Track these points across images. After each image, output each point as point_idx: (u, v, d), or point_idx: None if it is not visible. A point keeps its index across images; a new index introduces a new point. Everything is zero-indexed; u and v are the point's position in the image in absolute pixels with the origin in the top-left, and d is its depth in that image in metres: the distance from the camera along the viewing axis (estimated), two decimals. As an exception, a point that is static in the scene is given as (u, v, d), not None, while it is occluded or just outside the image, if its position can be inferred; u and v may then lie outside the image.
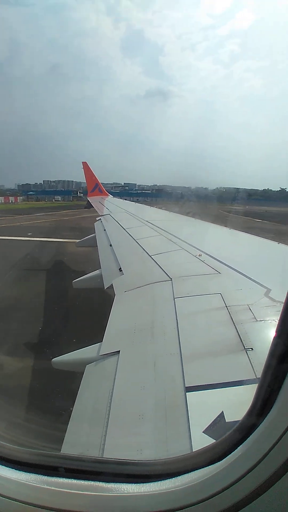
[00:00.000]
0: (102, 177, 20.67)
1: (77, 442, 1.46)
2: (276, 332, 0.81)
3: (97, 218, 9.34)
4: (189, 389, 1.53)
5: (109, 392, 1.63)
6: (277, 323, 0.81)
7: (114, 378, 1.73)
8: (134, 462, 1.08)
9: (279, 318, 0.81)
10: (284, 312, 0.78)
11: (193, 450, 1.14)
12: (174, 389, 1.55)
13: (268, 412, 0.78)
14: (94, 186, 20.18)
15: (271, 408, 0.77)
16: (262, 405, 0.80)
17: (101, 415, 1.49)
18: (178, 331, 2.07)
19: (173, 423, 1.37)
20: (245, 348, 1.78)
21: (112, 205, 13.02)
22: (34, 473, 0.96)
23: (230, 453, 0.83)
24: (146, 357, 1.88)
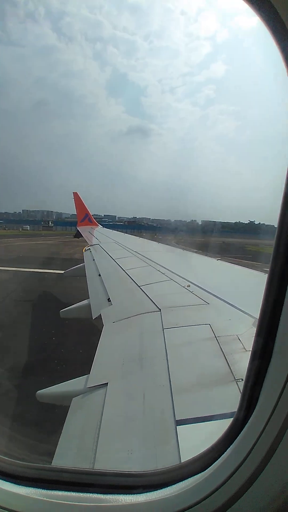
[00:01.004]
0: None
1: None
2: (256, 331, 0.87)
3: (85, 248, 9.37)
4: (180, 422, 1.49)
5: (96, 427, 1.56)
6: (257, 323, 0.87)
7: (102, 412, 1.66)
8: (130, 473, 1.09)
9: (258, 318, 0.87)
10: (262, 314, 0.87)
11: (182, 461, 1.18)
12: (164, 423, 1.51)
13: (248, 421, 0.87)
14: (84, 216, 20.43)
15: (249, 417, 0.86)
16: (243, 416, 0.90)
17: (87, 451, 1.42)
18: (167, 363, 2.04)
19: (163, 459, 1.32)
20: (235, 379, 1.77)
21: (101, 235, 13.13)
22: (34, 487, 0.96)
23: (216, 460, 0.90)
24: (135, 390, 1.84)
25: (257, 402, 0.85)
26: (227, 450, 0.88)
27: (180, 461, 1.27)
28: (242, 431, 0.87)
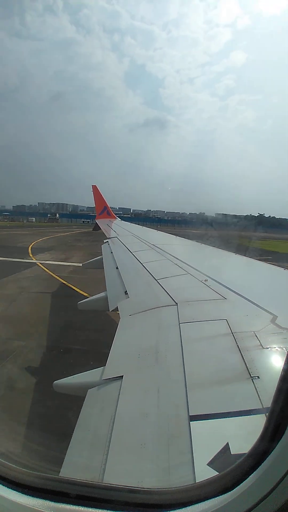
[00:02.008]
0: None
1: (76, 467, 1.42)
2: (287, 357, 0.81)
3: (104, 241, 9.44)
4: (193, 418, 1.49)
5: (111, 418, 1.59)
6: None
7: (117, 404, 1.69)
8: (144, 490, 1.05)
9: None
10: None
11: (200, 480, 1.10)
12: (177, 418, 1.52)
13: (280, 438, 0.76)
14: (103, 209, 20.55)
15: (282, 434, 0.76)
16: (273, 431, 0.79)
17: (102, 441, 1.45)
18: (183, 357, 2.04)
19: (176, 453, 1.33)
20: (251, 376, 1.75)
21: (119, 228, 13.18)
22: (42, 498, 0.95)
23: (242, 482, 0.81)
24: (150, 383, 1.85)
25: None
26: (254, 473, 0.81)
27: (193, 457, 1.27)
28: (270, 455, 0.79)
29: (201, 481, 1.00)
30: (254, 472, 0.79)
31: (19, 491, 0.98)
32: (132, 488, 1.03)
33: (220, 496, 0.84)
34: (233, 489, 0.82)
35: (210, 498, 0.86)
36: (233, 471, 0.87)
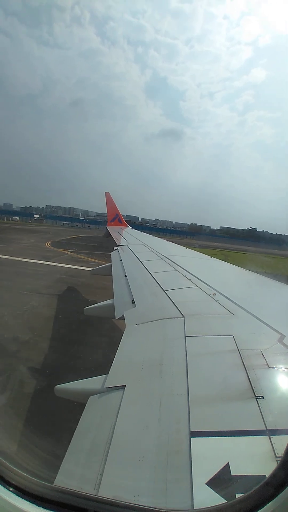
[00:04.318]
0: (104, 208, 21.86)
1: (72, 475, 1.40)
2: None
3: (114, 248, 9.47)
4: (194, 434, 1.46)
5: (110, 428, 1.58)
6: None
7: (117, 414, 1.67)
8: (140, 507, 1.04)
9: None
10: None
11: (200, 507, 1.05)
12: (178, 432, 1.49)
13: None
14: (114, 216, 20.72)
15: None
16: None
17: (100, 450, 1.44)
18: (187, 371, 2.02)
19: (175, 469, 1.30)
20: (255, 396, 1.71)
21: (130, 236, 13.22)
22: (37, 504, 0.95)
23: (259, 510, 0.78)
24: (152, 396, 1.83)
25: None
26: (271, 502, 0.78)
27: (191, 475, 1.25)
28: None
29: (216, 505, 0.96)
30: (272, 501, 0.77)
31: (14, 493, 0.97)
32: (129, 504, 1.01)
33: None
34: None
35: None
36: (250, 497, 0.84)
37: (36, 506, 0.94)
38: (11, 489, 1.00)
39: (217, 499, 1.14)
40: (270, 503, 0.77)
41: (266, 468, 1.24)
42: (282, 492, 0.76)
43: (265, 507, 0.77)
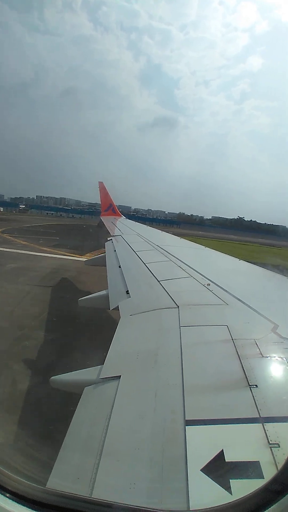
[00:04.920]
0: (97, 198, 21.90)
1: (69, 465, 1.42)
2: None
3: (108, 238, 9.43)
4: (189, 422, 1.49)
5: (106, 418, 1.59)
6: None
7: (113, 404, 1.69)
8: (138, 509, 1.03)
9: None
10: None
11: (195, 496, 1.05)
12: (173, 422, 1.51)
13: None
14: (108, 206, 20.54)
15: None
16: None
17: (96, 441, 1.45)
18: (182, 361, 2.04)
19: (170, 458, 1.32)
20: (249, 385, 1.74)
21: (124, 227, 13.15)
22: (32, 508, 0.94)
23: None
24: (147, 385, 1.84)
25: None
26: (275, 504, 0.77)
27: (187, 462, 1.27)
28: None
29: (203, 509, 0.97)
30: (272, 506, 0.77)
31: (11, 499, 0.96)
32: (123, 505, 1.01)
33: None
34: None
35: None
36: (248, 501, 0.85)
37: (27, 508, 0.93)
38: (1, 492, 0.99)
39: (212, 485, 1.16)
40: (270, 507, 0.78)
41: (259, 454, 1.28)
42: (283, 498, 0.76)
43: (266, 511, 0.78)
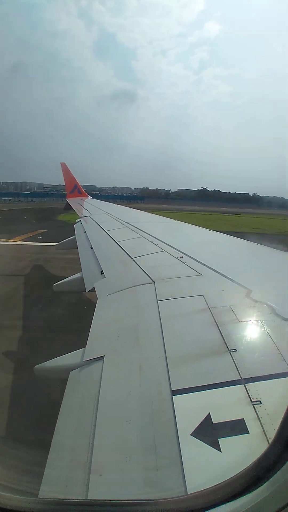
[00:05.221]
0: (59, 179, 21.25)
1: (64, 444, 1.44)
2: None
3: (76, 220, 9.22)
4: (175, 392, 1.54)
5: (95, 398, 1.61)
6: None
7: (100, 384, 1.71)
8: (139, 502, 1.04)
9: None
10: None
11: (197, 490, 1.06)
12: (160, 393, 1.56)
13: None
14: (73, 187, 19.90)
15: None
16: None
17: (87, 421, 1.48)
18: (162, 334, 2.08)
19: (161, 427, 1.37)
20: (229, 350, 1.81)
21: (91, 207, 12.89)
22: None
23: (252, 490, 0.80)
24: (132, 362, 1.88)
25: None
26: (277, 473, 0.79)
27: (177, 428, 1.32)
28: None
29: (200, 491, 0.99)
30: (266, 482, 0.79)
31: None
32: (119, 501, 1.02)
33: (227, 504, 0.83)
34: (241, 496, 0.83)
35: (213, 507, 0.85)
36: (241, 478, 0.87)
37: None
38: None
39: (202, 446, 1.23)
40: (264, 483, 0.81)
41: (243, 412, 1.36)
42: (278, 472, 0.80)
43: (261, 487, 0.82)
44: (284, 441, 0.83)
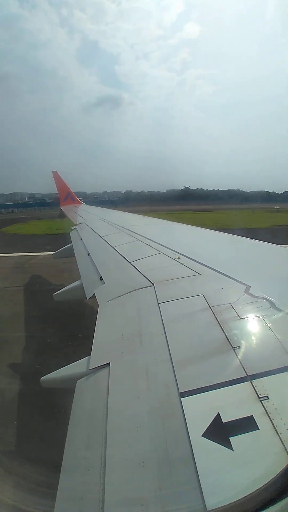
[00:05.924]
0: (51, 188, 21.53)
1: (78, 450, 1.45)
2: None
3: (72, 228, 9.23)
4: (184, 394, 1.55)
5: (103, 406, 1.61)
6: None
7: (108, 391, 1.71)
8: None
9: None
10: None
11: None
12: (168, 396, 1.57)
13: None
14: (66, 195, 19.96)
15: None
16: None
17: (98, 428, 1.48)
18: (166, 337, 2.09)
19: (171, 430, 1.38)
20: (232, 347, 1.83)
21: (86, 213, 12.92)
22: None
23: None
24: (137, 367, 1.88)
25: None
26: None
27: (188, 431, 1.33)
28: None
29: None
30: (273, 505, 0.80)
31: None
32: None
33: None
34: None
35: None
36: (250, 500, 0.89)
37: None
38: None
39: (215, 446, 1.24)
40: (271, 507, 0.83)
41: (252, 409, 1.37)
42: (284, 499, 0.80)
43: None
44: None
